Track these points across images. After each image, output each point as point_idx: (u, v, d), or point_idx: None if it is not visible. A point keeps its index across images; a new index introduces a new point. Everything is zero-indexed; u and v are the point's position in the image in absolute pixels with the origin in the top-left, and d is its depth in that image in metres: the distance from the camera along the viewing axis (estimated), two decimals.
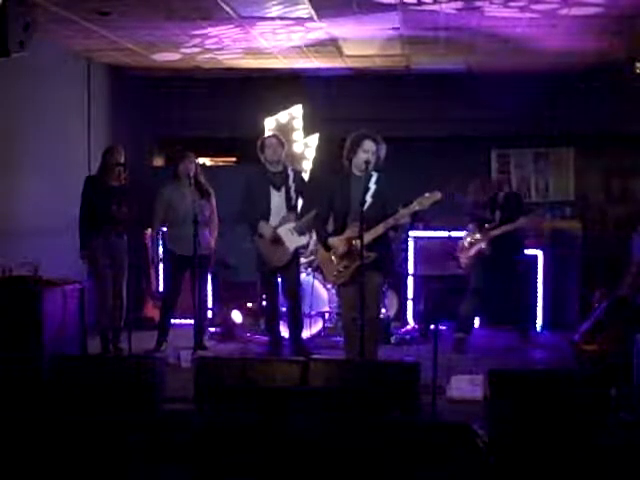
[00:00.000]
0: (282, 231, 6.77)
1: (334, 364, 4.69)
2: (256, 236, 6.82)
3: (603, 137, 8.95)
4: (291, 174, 6.87)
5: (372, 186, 5.70)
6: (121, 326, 6.98)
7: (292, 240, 6.76)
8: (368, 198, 5.63)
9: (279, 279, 6.96)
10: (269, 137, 7.08)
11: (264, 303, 7.59)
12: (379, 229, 5.60)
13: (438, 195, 5.60)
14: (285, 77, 8.88)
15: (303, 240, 6.80)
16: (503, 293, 7.36)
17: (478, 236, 7.31)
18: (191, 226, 6.68)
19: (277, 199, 6.81)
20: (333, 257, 5.86)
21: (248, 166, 9.07)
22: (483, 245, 7.25)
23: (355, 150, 5.70)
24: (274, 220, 6.79)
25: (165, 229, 7.32)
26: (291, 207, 6.83)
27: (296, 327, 6.97)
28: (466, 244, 7.41)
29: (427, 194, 5.59)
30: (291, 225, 6.76)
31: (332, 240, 5.81)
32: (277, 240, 6.74)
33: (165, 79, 9.13)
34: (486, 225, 7.29)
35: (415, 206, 5.59)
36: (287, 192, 6.82)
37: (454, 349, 7.12)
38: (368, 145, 5.67)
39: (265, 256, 6.82)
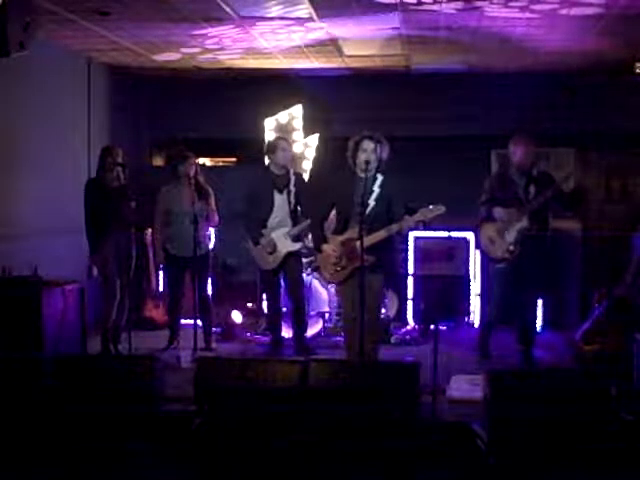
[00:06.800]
0: (276, 235, 6.80)
1: (334, 364, 4.69)
2: (249, 239, 6.87)
3: (603, 137, 8.94)
4: (293, 177, 6.89)
5: (376, 189, 5.69)
6: (122, 326, 6.97)
7: (285, 245, 6.80)
8: (371, 201, 5.64)
9: (281, 279, 7.00)
10: (280, 140, 7.02)
11: (264, 303, 7.61)
12: (381, 234, 5.59)
13: (442, 209, 5.53)
14: (285, 77, 8.87)
15: (296, 246, 6.83)
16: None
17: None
18: (189, 227, 6.69)
19: (280, 202, 6.83)
20: (330, 255, 5.92)
21: (248, 166, 9.13)
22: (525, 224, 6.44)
23: (356, 150, 5.75)
24: (273, 222, 6.81)
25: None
26: (291, 210, 6.85)
27: (299, 327, 6.98)
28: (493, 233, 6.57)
29: (431, 206, 5.54)
30: (286, 230, 6.78)
31: (325, 246, 5.85)
32: (272, 249, 6.78)
33: (165, 79, 9.12)
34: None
35: (419, 216, 5.56)
36: (289, 195, 6.83)
37: (525, 364, 6.50)
38: (366, 144, 5.71)
39: (256, 260, 6.99)
